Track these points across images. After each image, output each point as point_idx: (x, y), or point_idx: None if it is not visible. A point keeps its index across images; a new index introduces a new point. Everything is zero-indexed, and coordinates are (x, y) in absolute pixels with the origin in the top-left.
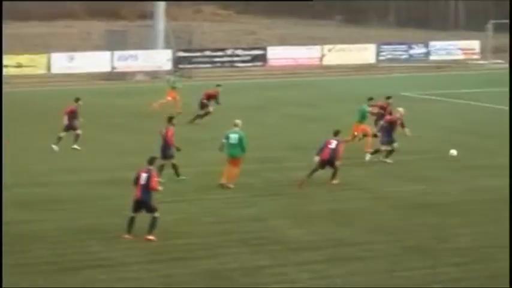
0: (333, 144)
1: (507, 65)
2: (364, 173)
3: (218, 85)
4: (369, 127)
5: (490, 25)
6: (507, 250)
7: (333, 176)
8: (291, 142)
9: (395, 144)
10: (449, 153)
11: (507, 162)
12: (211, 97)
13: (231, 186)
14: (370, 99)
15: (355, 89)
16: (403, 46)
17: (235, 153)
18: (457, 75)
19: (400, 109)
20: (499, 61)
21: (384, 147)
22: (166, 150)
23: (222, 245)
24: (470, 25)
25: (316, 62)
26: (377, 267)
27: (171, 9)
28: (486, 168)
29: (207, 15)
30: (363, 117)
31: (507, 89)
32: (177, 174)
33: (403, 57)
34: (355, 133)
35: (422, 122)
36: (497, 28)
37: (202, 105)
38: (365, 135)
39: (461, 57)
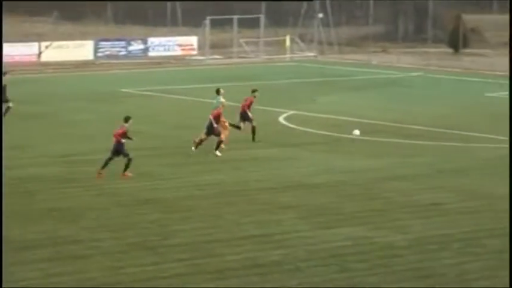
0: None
1: (225, 60)
2: (88, 169)
3: (4, 73)
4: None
5: (207, 21)
6: (228, 245)
7: (126, 167)
8: (10, 140)
9: (222, 135)
10: (353, 132)
11: (230, 156)
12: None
13: None
14: (217, 91)
15: (75, 86)
16: (122, 42)
17: None
18: (177, 71)
19: (222, 100)
20: (217, 56)
21: (204, 136)
22: None
23: None
24: (188, 21)
25: (33, 58)
26: (102, 265)
27: None
28: (208, 163)
29: None
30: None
31: (227, 84)
32: None
33: (122, 53)
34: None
35: (142, 117)
36: (214, 24)
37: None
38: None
39: (179, 53)
